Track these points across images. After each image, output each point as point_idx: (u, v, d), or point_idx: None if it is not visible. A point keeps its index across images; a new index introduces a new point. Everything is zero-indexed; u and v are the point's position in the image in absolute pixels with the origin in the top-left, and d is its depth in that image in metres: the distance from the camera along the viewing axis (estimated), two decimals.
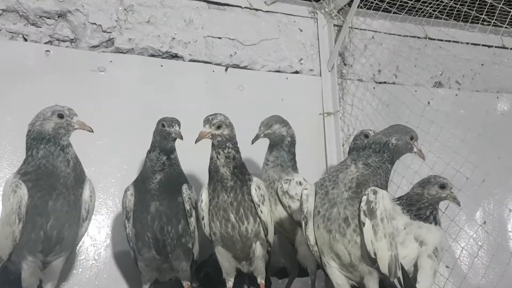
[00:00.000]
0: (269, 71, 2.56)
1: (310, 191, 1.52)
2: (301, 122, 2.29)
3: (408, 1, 2.52)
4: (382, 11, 2.57)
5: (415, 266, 1.73)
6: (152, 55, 2.35)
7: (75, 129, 1.59)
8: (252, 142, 1.83)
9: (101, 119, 2.11)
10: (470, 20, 2.52)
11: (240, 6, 2.52)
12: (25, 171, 1.51)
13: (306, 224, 1.51)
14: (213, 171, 1.63)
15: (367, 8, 2.54)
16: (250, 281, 1.93)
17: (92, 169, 1.99)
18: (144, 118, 2.17)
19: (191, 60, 2.40)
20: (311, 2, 2.65)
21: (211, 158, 1.64)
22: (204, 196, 1.63)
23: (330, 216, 1.45)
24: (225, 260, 1.68)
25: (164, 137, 1.72)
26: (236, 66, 2.49)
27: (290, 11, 2.63)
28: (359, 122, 2.56)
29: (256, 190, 1.63)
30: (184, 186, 1.70)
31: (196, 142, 1.62)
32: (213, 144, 1.63)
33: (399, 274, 1.45)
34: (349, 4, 2.54)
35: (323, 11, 2.65)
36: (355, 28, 2.65)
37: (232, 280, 1.71)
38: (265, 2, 2.56)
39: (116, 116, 2.18)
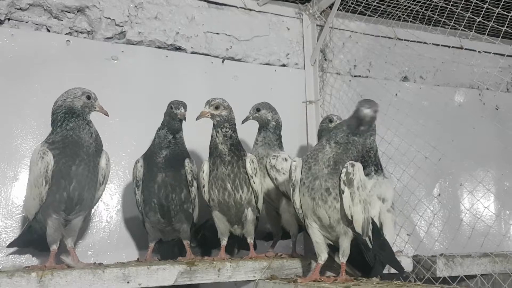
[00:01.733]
0: (260, 63, 2.63)
1: (298, 163, 1.61)
2: (287, 109, 2.38)
3: (381, 6, 2.59)
4: (358, 13, 2.64)
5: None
6: (159, 47, 2.40)
7: (95, 110, 1.66)
8: (242, 123, 1.92)
9: (114, 101, 2.16)
10: (432, 23, 2.60)
11: (236, 6, 2.58)
12: (53, 140, 1.58)
13: (293, 190, 1.61)
14: (213, 147, 1.72)
15: (346, 11, 2.61)
16: (239, 243, 2.00)
17: (106, 144, 2.03)
18: (150, 101, 2.25)
19: (192, 53, 2.46)
20: (297, 4, 2.71)
21: (212, 136, 1.72)
22: (206, 167, 1.71)
23: (313, 187, 1.54)
24: (221, 223, 1.77)
25: (172, 118, 1.79)
26: (232, 59, 2.55)
27: (279, 12, 2.69)
28: (336, 110, 2.63)
29: (250, 164, 1.72)
30: (186, 160, 1.78)
31: (196, 119, 1.70)
32: (213, 124, 1.71)
33: (370, 233, 1.55)
34: (330, 7, 2.62)
35: (307, 12, 2.72)
36: (335, 28, 2.73)
37: (226, 239, 1.79)
38: (257, 3, 2.62)
39: (127, 99, 2.24)
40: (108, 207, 2.12)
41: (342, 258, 1.55)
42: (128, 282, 1.45)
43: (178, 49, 2.44)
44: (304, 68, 2.71)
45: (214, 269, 1.58)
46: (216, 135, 1.71)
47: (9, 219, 1.94)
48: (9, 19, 2.13)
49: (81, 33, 2.28)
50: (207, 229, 2.03)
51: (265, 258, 1.72)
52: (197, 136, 1.98)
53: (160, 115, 1.95)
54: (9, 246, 1.78)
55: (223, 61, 2.53)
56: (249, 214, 1.76)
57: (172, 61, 2.40)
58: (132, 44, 2.34)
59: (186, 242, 1.83)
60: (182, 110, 1.78)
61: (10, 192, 1.96)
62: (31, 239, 1.70)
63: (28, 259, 1.90)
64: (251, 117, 1.97)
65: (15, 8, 2.14)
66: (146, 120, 2.19)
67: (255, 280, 1.63)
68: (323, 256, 1.58)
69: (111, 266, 1.50)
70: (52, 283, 1.36)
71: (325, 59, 2.79)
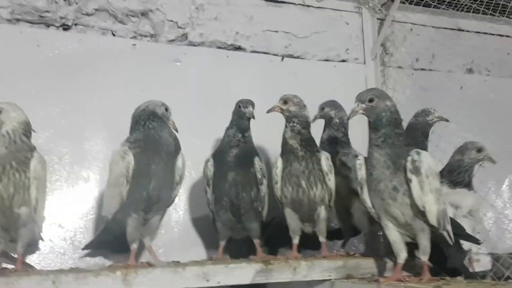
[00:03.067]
0: (319, 60, 2.61)
1: (362, 161, 1.59)
2: (348, 105, 2.30)
3: None
4: (420, 5, 2.58)
5: None
6: (219, 47, 2.42)
7: (168, 123, 1.73)
8: (312, 121, 1.89)
9: (178, 103, 2.19)
10: (497, 13, 2.50)
11: (294, 3, 2.57)
12: (135, 139, 1.63)
13: (361, 189, 1.58)
14: (283, 142, 1.72)
15: (409, 3, 2.56)
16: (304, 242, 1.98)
17: None
18: (213, 101, 2.28)
19: (252, 51, 2.47)
20: None
21: (283, 132, 1.72)
22: (279, 164, 1.72)
23: (379, 189, 1.52)
24: (293, 221, 1.76)
25: (240, 117, 1.80)
26: (291, 56, 2.55)
27: (337, 7, 2.66)
28: (399, 105, 2.56)
29: (325, 160, 1.71)
30: (256, 158, 1.79)
31: (267, 112, 1.71)
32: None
33: (448, 227, 1.50)
34: (392, 0, 2.57)
35: (367, 6, 2.68)
36: (396, 21, 2.67)
37: (298, 238, 1.78)
38: (316, 0, 2.60)
39: (190, 100, 2.27)
40: (176, 206, 2.15)
41: (423, 256, 1.50)
42: (207, 280, 1.47)
43: (238, 48, 2.45)
44: (365, 63, 2.67)
45: (290, 268, 1.58)
46: (285, 129, 1.73)
47: (82, 220, 2.01)
48: (76, 24, 2.21)
49: (144, 36, 2.33)
50: (273, 227, 2.03)
51: (339, 257, 1.70)
52: (262, 134, 2.00)
53: (223, 115, 1.97)
54: (85, 248, 1.84)
55: (282, 59, 2.52)
56: (322, 212, 1.74)
57: (232, 61, 2.41)
58: (194, 45, 2.38)
59: (256, 241, 1.83)
60: (251, 109, 1.79)
61: (83, 194, 2.04)
62: (107, 240, 1.75)
63: (100, 260, 1.96)
64: (318, 116, 1.97)
65: (81, 14, 2.21)
66: (209, 120, 2.23)
67: (331, 279, 1.61)
68: (402, 255, 1.54)
69: (190, 265, 1.53)
70: (136, 282, 1.39)
71: (386, 53, 2.74)
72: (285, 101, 1.73)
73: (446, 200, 1.77)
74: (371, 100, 1.54)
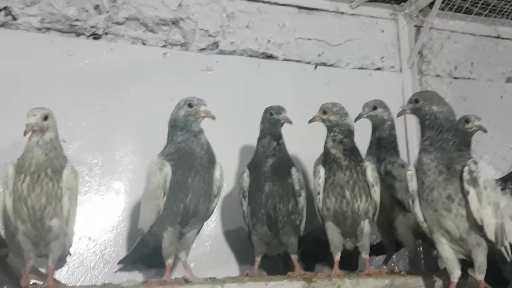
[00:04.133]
0: (353, 68, 2.54)
1: (413, 173, 1.51)
2: None
3: (485, 2, 2.44)
4: (457, 12, 2.51)
5: None
6: (251, 56, 2.38)
7: (201, 117, 1.61)
8: (355, 121, 1.79)
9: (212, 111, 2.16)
10: None
11: (327, 10, 2.52)
12: (168, 153, 1.58)
13: (413, 202, 1.50)
14: (325, 152, 1.65)
15: (448, 10, 2.48)
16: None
17: None
18: (245, 110, 2.22)
19: (284, 60, 2.42)
20: (392, 5, 2.61)
21: (325, 141, 1.65)
22: (322, 173, 1.64)
23: (432, 198, 1.43)
24: (335, 235, 1.68)
25: (273, 124, 1.75)
26: (324, 64, 2.49)
27: (372, 14, 2.59)
28: None
29: (371, 171, 1.63)
30: (293, 169, 1.72)
31: (309, 122, 1.66)
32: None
33: (506, 243, 1.40)
34: (430, 6, 2.49)
35: (403, 13, 2.60)
36: (433, 28, 2.59)
37: (339, 254, 1.69)
38: (350, 6, 2.54)
39: (222, 110, 2.19)
40: (208, 220, 2.09)
41: (479, 275, 1.40)
42: None
43: (270, 57, 2.40)
44: (401, 71, 2.59)
45: (333, 286, 1.49)
46: (327, 139, 1.67)
47: (113, 233, 1.95)
48: (106, 33, 2.18)
49: (175, 45, 2.30)
50: (309, 242, 1.94)
51: (385, 275, 1.60)
52: (295, 143, 1.93)
53: (254, 124, 1.90)
54: (120, 262, 1.79)
55: (315, 67, 2.46)
56: (366, 226, 1.65)
57: (264, 70, 2.36)
58: (225, 54, 2.33)
59: (294, 257, 1.75)
60: (285, 114, 1.73)
61: (113, 206, 1.99)
62: (142, 254, 1.69)
63: (133, 274, 1.90)
64: (365, 115, 1.86)
65: (112, 23, 2.19)
66: (240, 130, 2.17)
67: None
68: (456, 273, 1.45)
69: (228, 281, 1.45)
70: None
71: (423, 61, 2.65)
72: (324, 111, 1.66)
73: (507, 212, 1.66)
74: (416, 101, 1.52)
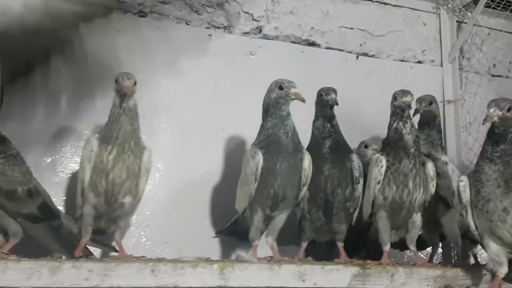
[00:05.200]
0: (394, 60, 2.53)
1: (466, 183, 1.51)
2: None
3: None
4: (505, 10, 2.50)
5: None
6: (293, 42, 2.37)
7: (292, 99, 1.62)
8: (413, 116, 1.78)
9: (252, 96, 2.15)
10: None
11: (371, 0, 2.50)
12: (259, 140, 1.63)
13: (466, 212, 1.51)
14: (397, 137, 1.63)
15: (493, 8, 2.48)
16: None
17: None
18: None
19: (326, 48, 2.41)
20: None
21: (392, 127, 1.65)
22: (384, 161, 1.62)
23: (488, 209, 1.43)
24: (385, 226, 1.67)
25: (324, 105, 1.74)
26: (365, 55, 2.48)
27: (415, 6, 2.58)
28: (477, 111, 2.47)
29: (432, 166, 1.63)
30: (354, 156, 1.73)
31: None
32: (395, 114, 1.65)
33: None
34: (474, 2, 2.48)
35: (445, 7, 2.59)
36: (475, 25, 2.57)
37: (389, 245, 1.68)
38: None
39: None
40: None
41: None
42: (303, 281, 1.40)
43: (312, 44, 2.39)
44: (442, 66, 2.57)
45: (387, 274, 1.49)
46: (404, 125, 1.63)
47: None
48: (151, 12, 2.17)
49: (218, 28, 2.29)
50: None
51: (437, 267, 1.61)
52: None
53: (296, 110, 1.89)
54: (217, 234, 1.92)
55: (357, 57, 2.45)
56: (418, 219, 1.65)
57: (307, 56, 2.35)
58: (268, 39, 2.32)
59: (340, 244, 1.74)
60: (333, 96, 1.73)
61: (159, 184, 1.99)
62: (237, 230, 1.79)
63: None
64: (421, 110, 1.85)
65: (158, 1, 2.18)
66: None
67: None
68: (503, 269, 1.47)
69: (285, 263, 1.45)
70: (232, 276, 1.33)
71: (463, 57, 2.64)
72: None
73: None
74: (509, 110, 1.44)
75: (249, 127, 2.16)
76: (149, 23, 2.13)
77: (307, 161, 1.62)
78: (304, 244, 1.78)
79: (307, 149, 1.77)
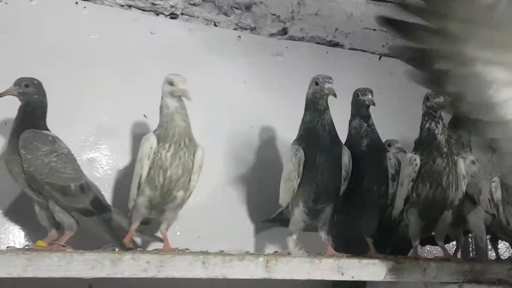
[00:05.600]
0: None
1: (498, 183, 1.63)
2: None
3: None
4: None
5: None
6: (318, 43, 2.43)
7: (325, 94, 1.69)
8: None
9: (280, 96, 2.24)
10: None
11: (392, 2, 2.54)
12: (299, 135, 1.70)
13: (498, 210, 1.60)
14: (431, 137, 1.71)
15: None
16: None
17: None
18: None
19: (350, 49, 2.48)
20: None
21: (427, 129, 1.72)
22: (418, 160, 1.69)
23: None
24: (416, 222, 1.74)
25: (360, 105, 1.80)
26: (387, 55, 2.53)
27: None
28: None
29: (463, 164, 1.71)
30: (391, 154, 1.78)
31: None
32: (428, 115, 1.72)
33: None
34: None
35: None
36: None
37: (418, 241, 1.75)
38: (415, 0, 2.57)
39: (293, 94, 2.27)
40: None
41: None
42: (342, 274, 1.47)
43: (337, 45, 2.46)
44: None
45: (420, 268, 1.56)
46: (436, 125, 1.71)
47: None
48: (182, 13, 2.24)
49: (245, 29, 2.35)
50: None
51: (465, 261, 1.68)
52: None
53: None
54: (263, 222, 1.99)
55: (380, 58, 2.51)
56: (448, 216, 1.73)
57: (331, 57, 2.42)
58: (294, 40, 2.39)
59: (369, 240, 1.81)
60: (370, 96, 1.79)
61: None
62: (281, 219, 1.85)
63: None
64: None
65: (189, 3, 2.24)
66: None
67: (458, 282, 1.59)
68: None
69: (325, 257, 1.52)
70: (276, 269, 1.40)
71: None
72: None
73: None
74: None
75: (276, 124, 2.26)
76: (182, 24, 2.20)
77: (346, 156, 1.68)
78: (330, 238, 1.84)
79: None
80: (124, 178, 2.01)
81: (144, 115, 2.07)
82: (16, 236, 1.76)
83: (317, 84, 1.70)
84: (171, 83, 1.55)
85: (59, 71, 1.92)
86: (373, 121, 1.84)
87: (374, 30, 2.52)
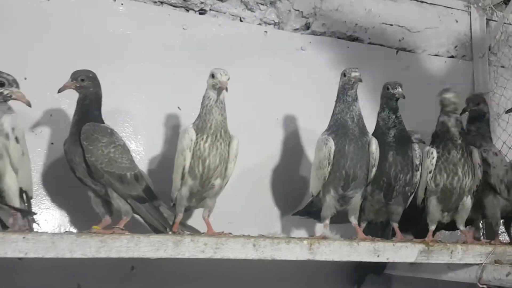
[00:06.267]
0: (429, 54, 2.69)
1: None
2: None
3: None
4: None
5: None
6: (339, 38, 2.52)
7: (353, 82, 1.78)
8: (460, 114, 1.95)
9: (304, 89, 2.34)
10: None
11: None
12: (329, 126, 1.80)
13: None
14: (444, 130, 1.83)
15: None
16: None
17: None
18: (335, 87, 2.35)
19: (369, 43, 2.57)
20: None
21: (441, 122, 1.85)
22: (435, 153, 1.83)
23: None
24: (434, 209, 1.86)
25: (389, 98, 1.89)
26: (404, 50, 2.63)
27: (448, 4, 2.74)
28: (506, 103, 2.64)
29: (477, 154, 1.86)
30: (416, 145, 1.89)
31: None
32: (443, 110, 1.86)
33: None
34: (505, 2, 2.64)
35: (476, 5, 2.74)
36: (506, 23, 2.73)
37: (435, 226, 1.88)
38: None
39: (316, 86, 2.37)
40: None
41: None
42: (378, 256, 1.57)
43: (356, 40, 2.54)
44: (472, 60, 2.75)
45: (448, 250, 1.67)
46: (448, 118, 1.84)
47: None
48: (210, 9, 2.31)
49: (269, 24, 2.43)
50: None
51: (488, 244, 1.79)
52: None
53: None
54: (294, 214, 2.05)
55: (397, 52, 2.61)
56: (468, 201, 1.84)
57: (352, 51, 2.51)
58: (316, 35, 2.47)
59: (395, 225, 1.91)
60: (400, 90, 1.88)
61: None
62: (311, 211, 1.93)
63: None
64: (469, 110, 2.04)
65: (217, 0, 2.32)
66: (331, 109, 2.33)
67: (481, 263, 1.70)
68: None
69: (362, 240, 1.63)
70: (319, 251, 1.50)
71: (491, 52, 2.80)
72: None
73: None
74: None
75: (301, 116, 2.36)
76: (212, 20, 2.28)
77: (374, 145, 1.78)
78: (363, 225, 1.94)
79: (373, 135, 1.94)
80: (158, 168, 2.12)
81: (178, 107, 2.16)
82: (63, 221, 1.86)
83: (344, 75, 1.81)
84: (213, 76, 1.63)
85: (97, 65, 1.95)
86: (400, 114, 1.94)
87: (391, 25, 2.62)
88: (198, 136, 1.61)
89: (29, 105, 1.49)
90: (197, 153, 1.60)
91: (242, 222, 2.10)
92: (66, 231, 1.61)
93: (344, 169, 1.73)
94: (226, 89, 1.62)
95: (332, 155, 1.72)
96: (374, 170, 1.79)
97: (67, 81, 1.60)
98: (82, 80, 1.58)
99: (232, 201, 2.11)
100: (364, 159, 1.76)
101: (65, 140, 1.59)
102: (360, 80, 1.78)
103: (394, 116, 1.88)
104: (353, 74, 1.79)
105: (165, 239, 1.32)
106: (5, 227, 1.52)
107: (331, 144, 1.73)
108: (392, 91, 1.89)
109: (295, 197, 2.27)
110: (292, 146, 2.35)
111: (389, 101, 1.90)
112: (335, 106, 1.82)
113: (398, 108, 1.91)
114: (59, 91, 1.59)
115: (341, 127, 1.76)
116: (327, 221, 1.78)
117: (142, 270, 1.92)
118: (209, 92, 1.66)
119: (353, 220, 1.80)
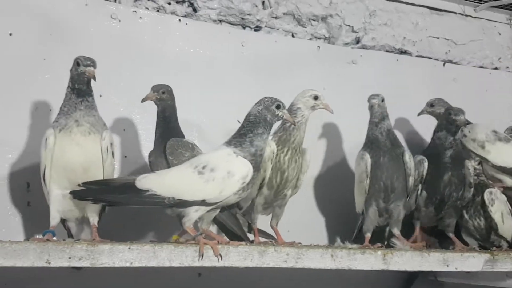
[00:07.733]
0: (474, 66, 2.70)
1: None
2: (504, 112, 2.49)
3: None
4: None
5: None
6: (387, 51, 2.55)
7: (371, 107, 1.90)
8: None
9: (356, 102, 2.34)
10: None
11: (454, 12, 2.68)
12: (364, 143, 1.88)
13: None
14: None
15: None
16: None
17: None
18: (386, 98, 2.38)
19: (417, 56, 2.60)
20: (509, 11, 2.76)
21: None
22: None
23: None
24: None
25: (450, 123, 1.93)
26: (450, 62, 2.66)
27: (492, 18, 2.76)
28: None
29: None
30: (470, 164, 1.94)
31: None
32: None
33: None
34: None
35: None
36: None
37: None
38: (474, 10, 2.70)
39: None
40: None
41: None
42: (447, 266, 1.60)
43: (405, 53, 2.57)
44: None
45: None
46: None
47: None
48: (265, 26, 2.37)
49: (319, 39, 2.48)
50: None
51: None
52: None
53: (392, 115, 2.08)
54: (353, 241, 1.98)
55: (444, 64, 2.63)
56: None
57: (401, 64, 2.54)
58: (366, 48, 2.51)
59: (452, 235, 1.97)
60: (462, 117, 1.91)
61: None
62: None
63: None
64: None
65: (271, 17, 2.37)
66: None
67: None
68: None
69: (432, 250, 1.66)
70: (392, 261, 1.54)
71: None
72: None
73: None
74: None
75: (353, 129, 2.38)
76: (268, 37, 2.33)
77: (407, 155, 1.83)
78: (417, 228, 2.01)
79: (425, 153, 1.99)
80: None
81: (238, 121, 2.20)
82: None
83: (368, 101, 1.91)
84: (316, 98, 1.70)
85: (163, 80, 2.06)
86: (458, 136, 1.98)
87: (437, 38, 2.65)
88: (278, 148, 1.65)
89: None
90: (277, 165, 1.64)
91: (300, 231, 2.13)
92: (150, 241, 1.65)
93: (381, 180, 1.77)
94: (329, 111, 1.76)
95: (369, 168, 1.78)
96: (411, 179, 1.83)
97: (148, 92, 1.66)
98: (163, 92, 1.64)
99: (291, 210, 2.16)
100: (399, 169, 1.80)
101: (151, 152, 1.65)
102: (379, 106, 1.87)
103: (452, 138, 1.92)
104: (371, 101, 1.90)
105: (251, 249, 1.36)
106: (70, 236, 1.59)
107: (367, 157, 1.79)
108: (454, 117, 1.92)
109: (344, 205, 2.26)
110: (343, 158, 2.38)
111: (448, 125, 1.93)
112: (368, 125, 1.90)
113: (457, 131, 1.94)
114: (143, 100, 1.65)
115: (374, 142, 1.83)
116: (369, 234, 1.81)
117: (208, 277, 1.97)
118: (304, 111, 1.71)
119: (396, 231, 1.83)
